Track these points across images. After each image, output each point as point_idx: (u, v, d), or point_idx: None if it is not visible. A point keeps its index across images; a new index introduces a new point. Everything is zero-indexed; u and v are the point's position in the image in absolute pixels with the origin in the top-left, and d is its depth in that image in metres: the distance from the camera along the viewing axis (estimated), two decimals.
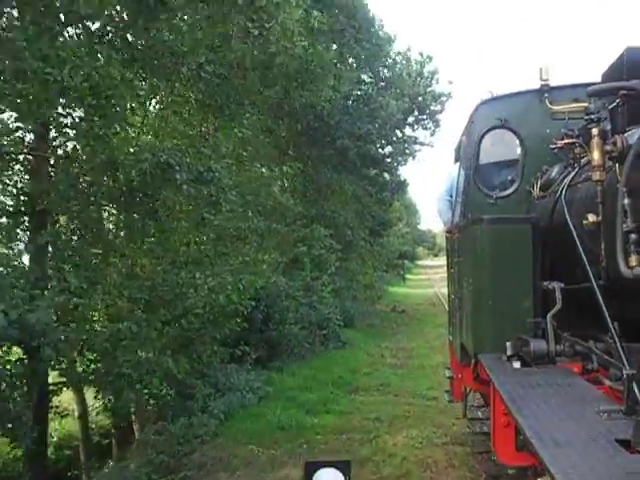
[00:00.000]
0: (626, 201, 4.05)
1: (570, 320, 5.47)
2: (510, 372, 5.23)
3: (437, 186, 10.00)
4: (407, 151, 33.03)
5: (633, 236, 3.98)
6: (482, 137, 7.71)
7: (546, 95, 7.47)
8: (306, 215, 21.38)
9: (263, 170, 18.15)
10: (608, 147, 4.40)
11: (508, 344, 5.73)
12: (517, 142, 7.68)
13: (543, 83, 7.53)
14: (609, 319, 4.40)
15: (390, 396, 14.19)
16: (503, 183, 7.87)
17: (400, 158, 32.29)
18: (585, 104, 6.89)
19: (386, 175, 31.67)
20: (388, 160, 30.51)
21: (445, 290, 39.36)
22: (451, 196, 9.01)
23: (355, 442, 10.61)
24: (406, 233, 70.31)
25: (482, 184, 7.77)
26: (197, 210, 11.91)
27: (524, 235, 6.08)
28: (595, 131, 4.51)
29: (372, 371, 16.95)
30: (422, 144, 34.61)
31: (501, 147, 7.95)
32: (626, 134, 4.45)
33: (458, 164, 8.78)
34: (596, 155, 4.47)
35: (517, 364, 5.38)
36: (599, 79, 6.13)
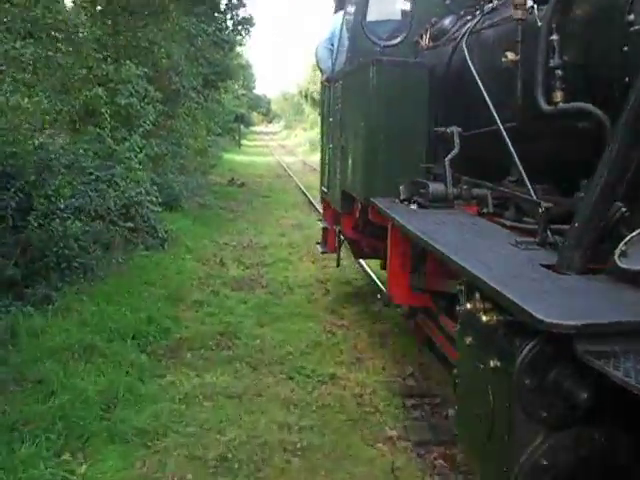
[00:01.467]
0: (554, 37, 4.02)
1: (466, 166, 5.53)
2: (411, 212, 5.25)
3: (317, 35, 9.74)
4: None
5: (559, 72, 3.97)
6: None
7: None
8: (108, 45, 14.75)
9: None
10: None
11: (401, 187, 5.75)
12: None
13: None
14: (517, 158, 4.46)
15: (241, 366, 7.04)
16: (391, 33, 7.71)
17: None
18: None
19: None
20: None
21: (288, 159, 38.79)
22: (332, 45, 8.77)
23: None
24: (242, 95, 66.52)
25: (370, 32, 7.57)
26: None
27: (421, 79, 6.06)
28: None
29: (206, 299, 9.46)
30: None
31: None
32: None
33: (341, 13, 8.52)
34: None
35: (414, 206, 5.41)
36: None
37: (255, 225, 16.19)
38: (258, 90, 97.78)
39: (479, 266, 3.27)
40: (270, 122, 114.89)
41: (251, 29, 26.63)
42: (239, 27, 25.94)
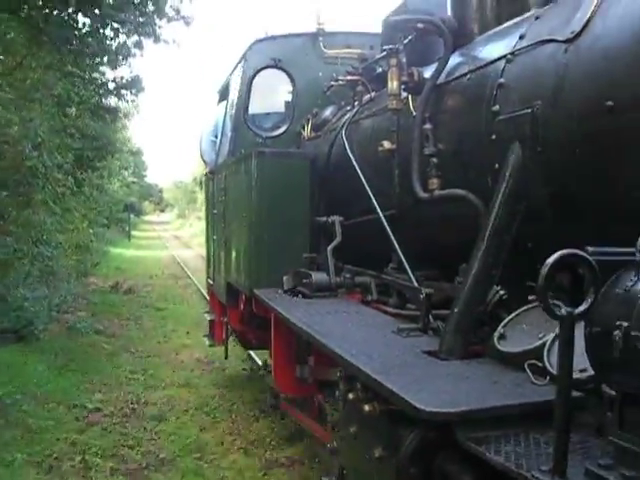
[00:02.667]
0: (428, 126, 4.12)
1: (349, 255, 5.54)
2: (293, 303, 5.18)
3: (200, 128, 9.77)
4: None
5: (434, 160, 4.05)
6: (254, 76, 7.55)
7: (321, 39, 7.51)
8: None
9: None
10: (404, 78, 4.46)
11: (285, 278, 5.71)
12: (289, 83, 7.62)
13: (319, 27, 7.55)
14: (397, 244, 4.49)
15: None
16: (273, 124, 7.81)
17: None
18: (358, 50, 7.07)
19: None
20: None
21: (184, 253, 33.01)
22: (216, 137, 8.81)
23: None
24: (132, 183, 62.06)
25: (252, 124, 7.64)
26: None
27: (302, 169, 6.11)
28: (394, 61, 4.54)
29: None
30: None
31: (273, 87, 7.87)
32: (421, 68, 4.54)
33: (224, 104, 8.58)
34: (394, 84, 4.50)
35: (298, 297, 5.36)
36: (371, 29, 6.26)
37: (144, 365, 10.47)
38: (149, 179, 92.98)
39: (360, 356, 3.21)
40: (162, 211, 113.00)
41: (138, 96, 19.44)
42: (123, 91, 19.16)
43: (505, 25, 3.96)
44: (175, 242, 48.52)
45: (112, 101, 19.45)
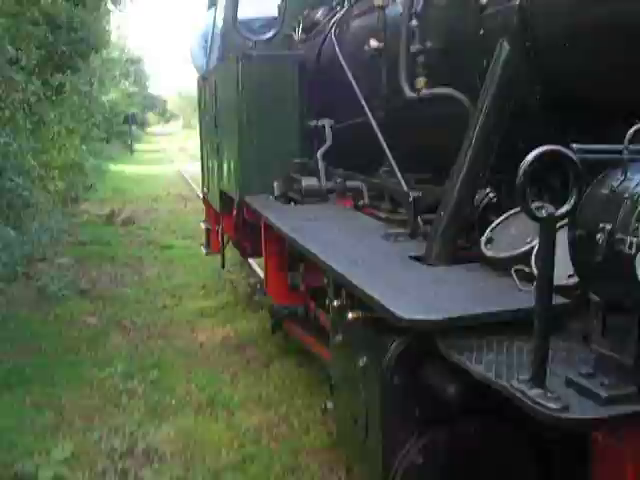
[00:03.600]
0: (414, 22, 3.93)
1: (340, 159, 5.42)
2: (284, 210, 5.11)
3: (190, 34, 9.51)
4: None
5: (421, 58, 3.88)
6: None
7: None
8: None
9: None
10: None
11: (275, 184, 5.62)
12: None
13: None
14: (386, 147, 4.36)
15: None
16: (264, 28, 7.54)
17: None
18: None
19: None
20: None
21: (191, 168, 25.89)
22: (206, 42, 8.56)
23: None
24: (134, 93, 58.13)
25: (242, 28, 7.39)
26: None
27: (290, 72, 5.95)
28: None
29: None
30: None
31: None
32: None
33: (213, 9, 8.31)
34: None
35: (288, 203, 5.28)
36: None
37: (144, 357, 6.76)
38: (152, 90, 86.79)
39: (345, 262, 3.14)
40: (167, 122, 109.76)
41: None
42: None
43: None
44: (181, 155, 42.21)
45: None
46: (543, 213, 1.85)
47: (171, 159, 38.99)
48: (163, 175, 28.53)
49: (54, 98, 15.41)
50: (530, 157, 1.86)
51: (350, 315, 2.92)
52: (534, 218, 1.87)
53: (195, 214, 14.46)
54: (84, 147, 20.21)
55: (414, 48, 3.92)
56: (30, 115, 12.51)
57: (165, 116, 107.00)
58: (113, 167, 28.78)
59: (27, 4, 11.83)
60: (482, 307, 2.43)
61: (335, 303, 3.15)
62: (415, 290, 2.73)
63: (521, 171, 1.85)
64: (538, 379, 1.87)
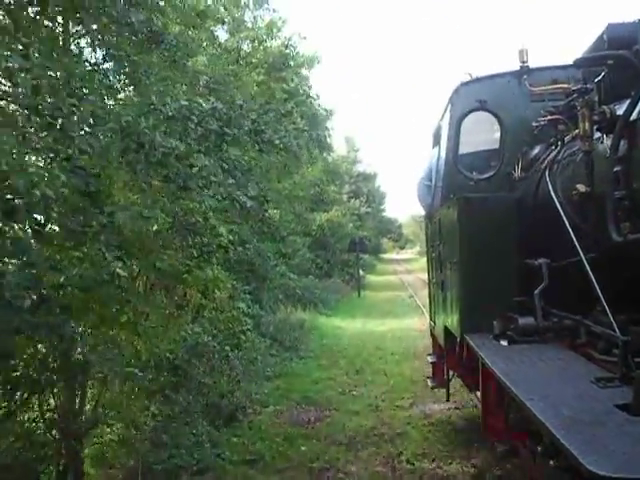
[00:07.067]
0: (618, 168, 4.00)
1: (556, 297, 5.43)
2: (500, 350, 5.17)
3: (416, 172, 9.98)
4: None
5: (625, 203, 3.93)
6: (462, 119, 7.66)
7: (525, 77, 7.45)
8: None
9: None
10: (596, 117, 4.37)
11: (495, 323, 5.69)
12: (497, 124, 7.62)
13: (522, 65, 7.50)
14: (599, 290, 4.36)
15: None
16: (484, 166, 7.82)
17: None
18: (565, 85, 6.92)
19: None
20: None
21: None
22: (430, 181, 8.97)
23: None
24: (365, 214, 51.86)
25: (463, 167, 7.72)
26: None
27: (507, 213, 6.09)
28: (583, 102, 4.47)
29: None
30: None
31: (481, 129, 7.91)
32: (613, 105, 4.41)
33: (437, 148, 8.74)
34: (585, 125, 4.43)
35: (504, 342, 5.33)
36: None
37: None
38: (388, 212, 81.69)
39: (548, 410, 3.19)
40: (402, 248, 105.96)
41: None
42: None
43: None
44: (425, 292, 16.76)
45: None
46: None
47: (417, 304, 25.80)
48: (406, 334, 17.97)
49: None
50: None
51: (551, 462, 2.96)
52: None
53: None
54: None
55: (619, 193, 3.98)
56: None
57: (400, 241, 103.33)
58: (323, 322, 19.74)
59: None
60: None
61: (539, 448, 3.19)
62: (613, 443, 2.71)
63: None
64: None
